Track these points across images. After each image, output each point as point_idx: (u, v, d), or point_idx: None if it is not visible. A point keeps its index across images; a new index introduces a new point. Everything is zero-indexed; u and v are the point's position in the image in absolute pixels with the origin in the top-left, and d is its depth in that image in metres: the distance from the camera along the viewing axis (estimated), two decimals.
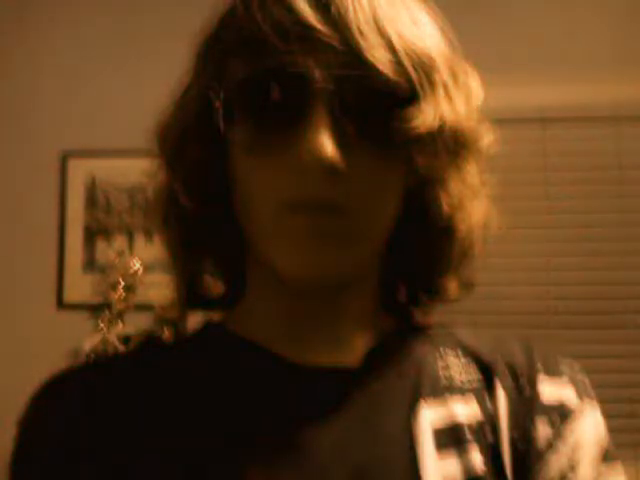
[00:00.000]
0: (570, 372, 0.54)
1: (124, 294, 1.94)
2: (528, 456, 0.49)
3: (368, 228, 0.48)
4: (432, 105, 0.46)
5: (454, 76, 0.49)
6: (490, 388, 0.52)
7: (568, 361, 0.55)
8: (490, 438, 0.49)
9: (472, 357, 0.54)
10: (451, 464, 0.47)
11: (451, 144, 0.49)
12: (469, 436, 0.49)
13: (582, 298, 1.99)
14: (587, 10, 2.03)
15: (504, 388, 0.52)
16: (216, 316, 0.57)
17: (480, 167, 0.54)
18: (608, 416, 0.53)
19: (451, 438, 0.49)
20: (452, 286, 0.56)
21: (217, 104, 0.48)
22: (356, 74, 0.44)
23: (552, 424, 0.50)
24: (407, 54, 0.45)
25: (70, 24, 2.19)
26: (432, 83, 0.47)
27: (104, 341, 1.92)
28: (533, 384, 0.52)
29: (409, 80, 0.45)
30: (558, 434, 0.50)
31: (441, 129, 0.47)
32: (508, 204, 0.55)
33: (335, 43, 0.44)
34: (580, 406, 0.52)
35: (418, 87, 0.46)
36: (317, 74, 0.44)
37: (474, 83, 0.52)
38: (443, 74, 0.48)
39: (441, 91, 0.47)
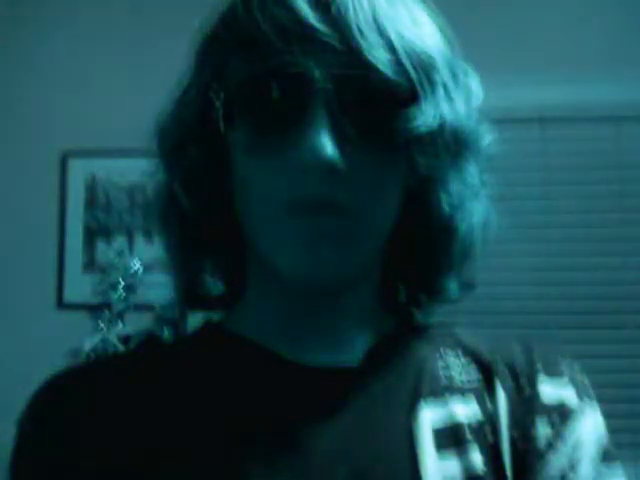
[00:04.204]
0: (570, 372, 0.54)
1: (124, 294, 1.94)
2: (528, 456, 0.49)
3: (368, 228, 0.48)
4: (432, 105, 0.46)
5: (454, 76, 0.49)
6: (490, 388, 0.52)
7: (568, 361, 0.55)
8: (490, 438, 0.49)
9: (472, 357, 0.54)
10: (451, 464, 0.47)
11: (451, 144, 0.49)
12: (469, 436, 0.49)
13: (582, 298, 1.99)
14: (587, 10, 2.03)
15: (504, 388, 0.51)
16: (216, 316, 0.57)
17: (480, 167, 0.54)
18: (608, 416, 0.53)
19: (451, 438, 0.48)
20: (452, 286, 0.56)
21: (217, 104, 0.48)
22: (356, 74, 0.44)
23: (552, 424, 0.50)
24: (407, 54, 0.45)
25: (70, 24, 2.19)
26: (432, 83, 0.47)
27: (104, 341, 1.91)
28: (533, 384, 0.52)
29: (409, 80, 0.45)
30: (558, 434, 0.50)
31: (441, 129, 0.47)
32: (508, 204, 0.55)
33: (335, 43, 0.44)
34: (580, 406, 0.52)
35: (418, 87, 0.46)
36: (317, 74, 0.44)
37: (474, 83, 0.52)
38: (443, 74, 0.48)
39: (441, 91, 0.47)
